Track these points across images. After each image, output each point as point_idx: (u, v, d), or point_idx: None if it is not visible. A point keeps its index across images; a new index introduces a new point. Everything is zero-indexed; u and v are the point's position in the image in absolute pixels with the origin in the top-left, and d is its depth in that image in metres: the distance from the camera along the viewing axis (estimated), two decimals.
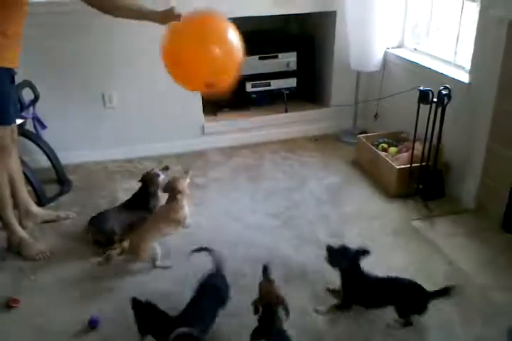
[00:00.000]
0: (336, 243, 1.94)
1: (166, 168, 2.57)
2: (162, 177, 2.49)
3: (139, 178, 2.53)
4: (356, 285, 1.88)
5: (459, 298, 1.99)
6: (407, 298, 1.84)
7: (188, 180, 2.36)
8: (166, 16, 2.01)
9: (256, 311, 1.68)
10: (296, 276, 2.17)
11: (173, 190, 2.30)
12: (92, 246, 2.37)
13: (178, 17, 1.98)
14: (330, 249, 1.89)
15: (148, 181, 2.49)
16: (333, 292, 2.03)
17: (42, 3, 2.69)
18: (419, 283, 1.86)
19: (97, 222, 2.39)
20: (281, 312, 1.64)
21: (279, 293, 1.67)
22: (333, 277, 1.99)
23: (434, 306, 1.95)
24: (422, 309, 1.83)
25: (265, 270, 1.75)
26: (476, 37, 2.51)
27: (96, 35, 2.98)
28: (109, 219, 2.37)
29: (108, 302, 2.03)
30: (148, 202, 2.48)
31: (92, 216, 2.44)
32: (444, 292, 1.81)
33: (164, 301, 1.83)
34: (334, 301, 1.98)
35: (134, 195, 2.52)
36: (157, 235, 2.24)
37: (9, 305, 2.01)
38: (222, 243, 2.39)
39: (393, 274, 2.12)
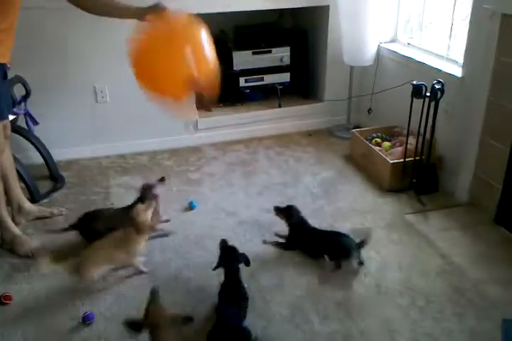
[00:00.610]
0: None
1: (162, 180, 2.42)
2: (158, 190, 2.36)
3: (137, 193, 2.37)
4: (299, 234, 2.31)
5: (453, 291, 2.02)
6: (336, 245, 2.20)
7: (151, 210, 2.14)
8: (152, 12, 1.99)
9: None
10: (292, 270, 2.18)
11: (138, 224, 2.08)
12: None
13: (163, 10, 1.98)
14: (278, 209, 2.35)
15: (143, 193, 2.33)
16: (279, 236, 2.39)
17: None
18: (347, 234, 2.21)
19: (87, 217, 2.34)
20: None
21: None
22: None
23: (427, 299, 1.97)
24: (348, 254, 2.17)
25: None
26: (468, 31, 2.51)
27: (87, 29, 2.95)
28: (100, 217, 2.32)
29: (101, 299, 2.02)
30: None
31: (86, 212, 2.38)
32: (364, 242, 2.16)
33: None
34: None
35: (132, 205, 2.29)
36: (107, 263, 2.07)
37: (1, 301, 2.00)
38: (216, 238, 2.37)
39: (386, 270, 2.15)
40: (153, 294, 1.69)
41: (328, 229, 2.34)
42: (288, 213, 2.32)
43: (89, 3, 2.06)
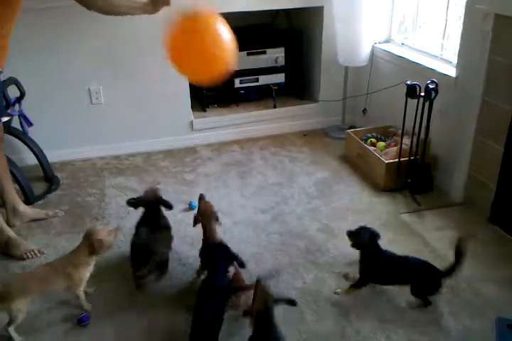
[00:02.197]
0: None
1: (157, 182, 2.37)
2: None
3: (137, 202, 2.22)
4: (374, 263, 1.97)
5: (448, 290, 2.02)
6: (421, 277, 1.92)
7: (114, 235, 1.96)
8: (157, 3, 2.07)
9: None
10: (287, 270, 2.18)
11: (89, 241, 1.88)
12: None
13: (167, 2, 2.05)
14: (350, 233, 2.00)
15: (151, 200, 2.20)
16: (346, 277, 2.11)
17: None
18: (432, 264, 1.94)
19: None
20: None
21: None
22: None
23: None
24: (435, 289, 1.92)
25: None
26: (462, 31, 2.52)
27: (82, 31, 2.95)
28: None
29: (97, 300, 2.02)
30: (158, 220, 2.19)
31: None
32: (453, 269, 1.88)
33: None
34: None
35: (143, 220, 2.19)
36: (40, 291, 1.85)
37: None
38: None
39: None
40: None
41: (409, 256, 1.98)
42: (359, 236, 1.98)
43: (100, 3, 2.06)
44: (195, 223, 2.05)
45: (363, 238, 1.95)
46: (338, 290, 2.04)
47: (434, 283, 1.91)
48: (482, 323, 1.87)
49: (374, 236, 1.96)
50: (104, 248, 1.90)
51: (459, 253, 1.86)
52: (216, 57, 1.94)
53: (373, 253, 1.96)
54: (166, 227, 2.20)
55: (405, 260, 1.95)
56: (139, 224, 2.16)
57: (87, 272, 1.90)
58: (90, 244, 1.87)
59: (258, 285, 1.70)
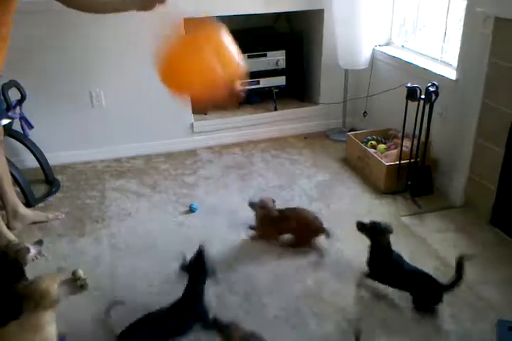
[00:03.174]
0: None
1: (39, 242, 1.95)
2: (33, 253, 1.89)
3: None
4: (381, 262, 1.97)
5: (449, 293, 2.02)
6: (422, 289, 1.92)
7: (60, 280, 1.64)
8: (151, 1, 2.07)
9: None
10: (289, 272, 2.18)
11: (34, 297, 1.55)
12: None
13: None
14: (361, 225, 2.01)
15: (11, 258, 1.79)
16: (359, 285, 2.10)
17: (27, 2, 2.66)
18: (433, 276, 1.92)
19: None
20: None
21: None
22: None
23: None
24: (436, 301, 1.91)
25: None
26: (462, 34, 2.53)
27: (82, 34, 2.95)
28: None
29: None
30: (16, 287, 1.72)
31: None
32: (455, 283, 1.87)
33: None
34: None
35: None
36: None
37: None
38: (212, 240, 2.39)
39: None
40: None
41: (419, 268, 1.97)
42: (372, 233, 1.98)
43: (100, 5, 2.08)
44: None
45: (373, 234, 1.95)
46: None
47: (435, 296, 1.91)
48: (483, 325, 1.86)
49: (384, 232, 1.94)
50: (50, 305, 1.55)
51: (460, 270, 1.85)
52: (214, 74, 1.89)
53: (381, 252, 1.96)
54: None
55: (409, 269, 1.95)
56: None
57: (50, 333, 1.55)
58: (32, 303, 1.54)
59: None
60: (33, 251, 1.87)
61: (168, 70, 1.94)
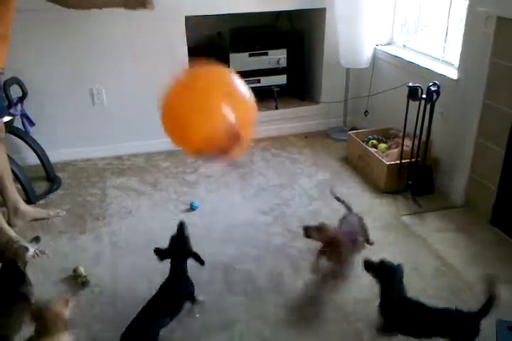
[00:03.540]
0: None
1: (36, 239, 1.95)
2: (31, 252, 1.89)
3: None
4: (395, 309, 1.66)
5: (449, 292, 2.02)
6: (457, 329, 1.62)
7: (70, 305, 1.58)
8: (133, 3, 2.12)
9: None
10: (289, 271, 2.18)
11: (43, 320, 1.51)
12: None
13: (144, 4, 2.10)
14: (367, 264, 1.74)
15: (9, 258, 1.81)
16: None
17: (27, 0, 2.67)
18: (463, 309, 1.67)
19: None
20: None
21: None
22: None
23: (425, 299, 1.98)
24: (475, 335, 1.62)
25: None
26: (464, 33, 2.52)
27: (84, 32, 2.95)
28: None
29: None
30: (17, 289, 1.76)
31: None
32: (488, 308, 1.62)
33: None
34: None
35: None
36: None
37: None
38: (212, 240, 2.39)
39: None
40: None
41: (439, 307, 1.69)
42: (383, 275, 1.68)
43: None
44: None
45: (381, 275, 1.67)
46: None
47: (472, 330, 1.60)
48: (482, 325, 1.86)
49: (395, 272, 1.66)
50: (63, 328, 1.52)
51: (492, 296, 1.61)
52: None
53: (392, 295, 1.65)
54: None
55: (435, 311, 1.65)
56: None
57: None
58: (42, 326, 1.50)
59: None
60: (31, 249, 1.86)
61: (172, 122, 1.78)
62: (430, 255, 2.27)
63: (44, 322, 1.50)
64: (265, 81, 3.57)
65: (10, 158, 2.56)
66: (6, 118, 2.49)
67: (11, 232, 2.34)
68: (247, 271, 2.17)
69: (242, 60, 3.43)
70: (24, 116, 2.74)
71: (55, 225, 2.54)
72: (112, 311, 1.96)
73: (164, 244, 1.88)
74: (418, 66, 2.90)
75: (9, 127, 2.64)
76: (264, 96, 3.68)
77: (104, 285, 2.10)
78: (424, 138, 2.64)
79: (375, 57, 3.34)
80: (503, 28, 2.23)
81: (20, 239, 2.33)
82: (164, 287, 1.82)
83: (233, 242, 2.39)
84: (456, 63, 2.64)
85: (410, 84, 2.59)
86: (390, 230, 2.46)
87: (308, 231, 1.98)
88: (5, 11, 2.01)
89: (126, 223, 2.55)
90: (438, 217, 2.57)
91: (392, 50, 3.25)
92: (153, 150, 3.34)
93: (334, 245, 1.94)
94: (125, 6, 2.21)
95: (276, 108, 3.60)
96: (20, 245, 1.87)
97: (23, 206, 2.55)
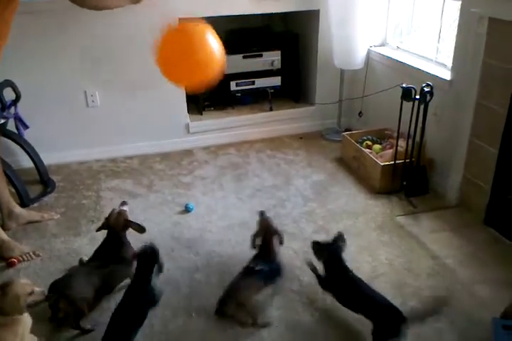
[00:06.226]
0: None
1: (124, 203, 2.11)
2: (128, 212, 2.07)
3: (101, 226, 2.04)
4: (334, 278, 1.89)
5: (443, 292, 2.03)
6: (381, 320, 1.71)
7: (30, 290, 1.65)
8: None
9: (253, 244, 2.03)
10: (285, 272, 2.18)
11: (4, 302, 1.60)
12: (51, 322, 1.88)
13: None
14: (314, 244, 1.97)
15: (115, 224, 2.01)
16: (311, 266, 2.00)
17: (23, 2, 2.66)
18: (395, 305, 1.74)
19: (63, 287, 1.83)
20: None
21: (274, 226, 2.06)
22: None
23: (418, 299, 1.98)
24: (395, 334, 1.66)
25: (262, 213, 2.13)
26: (457, 34, 2.54)
27: (77, 34, 2.95)
28: (77, 283, 1.85)
29: None
30: (120, 252, 1.99)
31: (54, 280, 1.87)
32: (424, 317, 1.72)
33: None
34: None
35: (101, 247, 2.03)
36: None
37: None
38: (208, 241, 2.39)
39: (377, 271, 2.15)
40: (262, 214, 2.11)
41: (373, 290, 1.81)
42: (320, 249, 1.94)
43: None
44: (255, 239, 2.04)
45: (324, 252, 1.90)
46: (310, 262, 1.99)
47: (394, 328, 1.66)
48: (477, 324, 1.87)
49: (337, 250, 1.89)
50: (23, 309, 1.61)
51: (432, 312, 1.72)
52: (203, 63, 2.00)
53: (336, 270, 1.88)
54: (121, 261, 1.97)
55: (369, 294, 1.79)
56: (96, 253, 2.01)
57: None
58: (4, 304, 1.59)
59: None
60: (127, 209, 2.06)
61: (164, 60, 2.04)
62: (425, 255, 2.28)
63: (4, 302, 1.59)
64: (260, 83, 3.57)
65: (3, 160, 2.55)
66: None
67: (4, 235, 2.32)
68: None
69: (236, 61, 3.43)
70: (18, 118, 2.72)
71: (49, 228, 2.53)
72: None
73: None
74: (411, 67, 2.91)
75: (3, 130, 2.63)
76: (258, 98, 3.70)
77: None
78: (418, 138, 2.65)
79: (368, 59, 3.35)
80: (496, 28, 2.25)
81: (14, 241, 2.33)
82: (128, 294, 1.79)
83: (229, 243, 2.38)
84: (449, 64, 2.65)
85: (404, 85, 2.60)
86: (385, 230, 2.47)
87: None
88: (8, 11, 2.00)
89: None
90: (432, 217, 2.58)
91: (385, 51, 3.27)
92: (148, 152, 3.34)
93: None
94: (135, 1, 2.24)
95: (271, 109, 3.60)
96: (118, 209, 2.04)
97: (17, 209, 2.53)
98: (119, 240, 2.01)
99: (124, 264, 1.96)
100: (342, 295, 1.86)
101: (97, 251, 2.02)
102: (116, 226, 2.00)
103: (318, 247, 1.94)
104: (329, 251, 1.90)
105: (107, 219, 2.03)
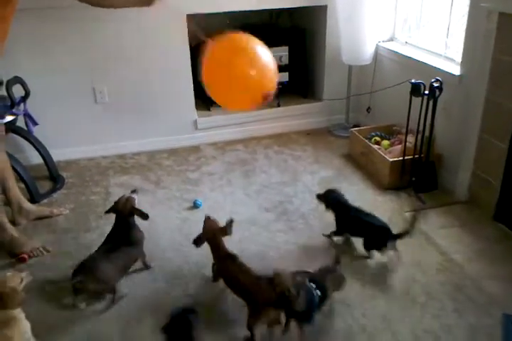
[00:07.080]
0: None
1: (134, 191, 2.18)
2: (136, 200, 2.14)
3: (109, 209, 2.12)
4: (343, 217, 2.31)
5: (452, 288, 2.03)
6: (372, 235, 2.21)
7: (24, 281, 1.70)
8: None
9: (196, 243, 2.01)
10: (292, 269, 2.17)
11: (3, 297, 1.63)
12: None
13: None
14: (318, 195, 2.38)
15: (122, 209, 2.09)
16: (328, 236, 2.38)
17: None
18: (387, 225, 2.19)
19: (89, 270, 1.94)
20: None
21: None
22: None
23: (429, 295, 1.98)
24: (381, 245, 2.18)
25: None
26: (466, 29, 2.52)
27: (87, 30, 2.96)
28: (100, 264, 1.96)
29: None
30: (129, 235, 2.09)
31: (76, 265, 1.97)
32: (403, 234, 2.14)
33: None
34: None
35: (112, 231, 2.12)
36: None
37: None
38: None
39: (386, 267, 2.16)
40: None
41: (370, 215, 2.27)
42: (325, 198, 2.35)
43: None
44: (198, 243, 2.01)
45: (330, 199, 2.33)
46: (325, 234, 2.38)
47: (381, 241, 2.17)
48: (487, 320, 1.87)
49: (339, 196, 2.33)
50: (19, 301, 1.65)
51: (413, 222, 2.15)
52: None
53: (341, 211, 2.31)
54: (133, 243, 2.09)
55: (367, 219, 2.24)
56: (107, 237, 2.10)
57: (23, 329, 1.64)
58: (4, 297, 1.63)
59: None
60: (136, 197, 2.13)
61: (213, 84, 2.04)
62: (434, 251, 2.27)
63: (1, 296, 1.62)
64: None
65: (13, 157, 2.57)
66: (9, 118, 2.49)
67: (14, 231, 2.34)
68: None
69: None
70: (27, 115, 2.74)
71: (59, 224, 2.55)
72: (117, 306, 1.97)
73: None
74: (420, 62, 2.89)
75: (12, 126, 2.64)
76: None
77: None
78: (427, 134, 2.64)
79: (377, 54, 3.33)
80: (506, 23, 2.22)
81: (24, 237, 2.35)
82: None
83: (236, 239, 2.38)
84: (459, 59, 2.63)
85: (413, 81, 2.58)
86: (394, 226, 2.44)
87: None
88: (7, 7, 2.01)
89: None
90: (441, 213, 2.57)
91: (394, 46, 3.25)
92: (156, 148, 3.35)
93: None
94: (146, 4, 2.21)
95: (279, 105, 3.60)
96: (127, 196, 2.11)
97: (26, 205, 2.55)
98: (127, 224, 2.10)
99: (133, 246, 2.08)
100: (353, 227, 2.29)
101: (108, 236, 2.11)
102: (124, 211, 2.08)
103: (324, 196, 2.35)
104: (332, 197, 2.34)
105: (115, 203, 2.11)
